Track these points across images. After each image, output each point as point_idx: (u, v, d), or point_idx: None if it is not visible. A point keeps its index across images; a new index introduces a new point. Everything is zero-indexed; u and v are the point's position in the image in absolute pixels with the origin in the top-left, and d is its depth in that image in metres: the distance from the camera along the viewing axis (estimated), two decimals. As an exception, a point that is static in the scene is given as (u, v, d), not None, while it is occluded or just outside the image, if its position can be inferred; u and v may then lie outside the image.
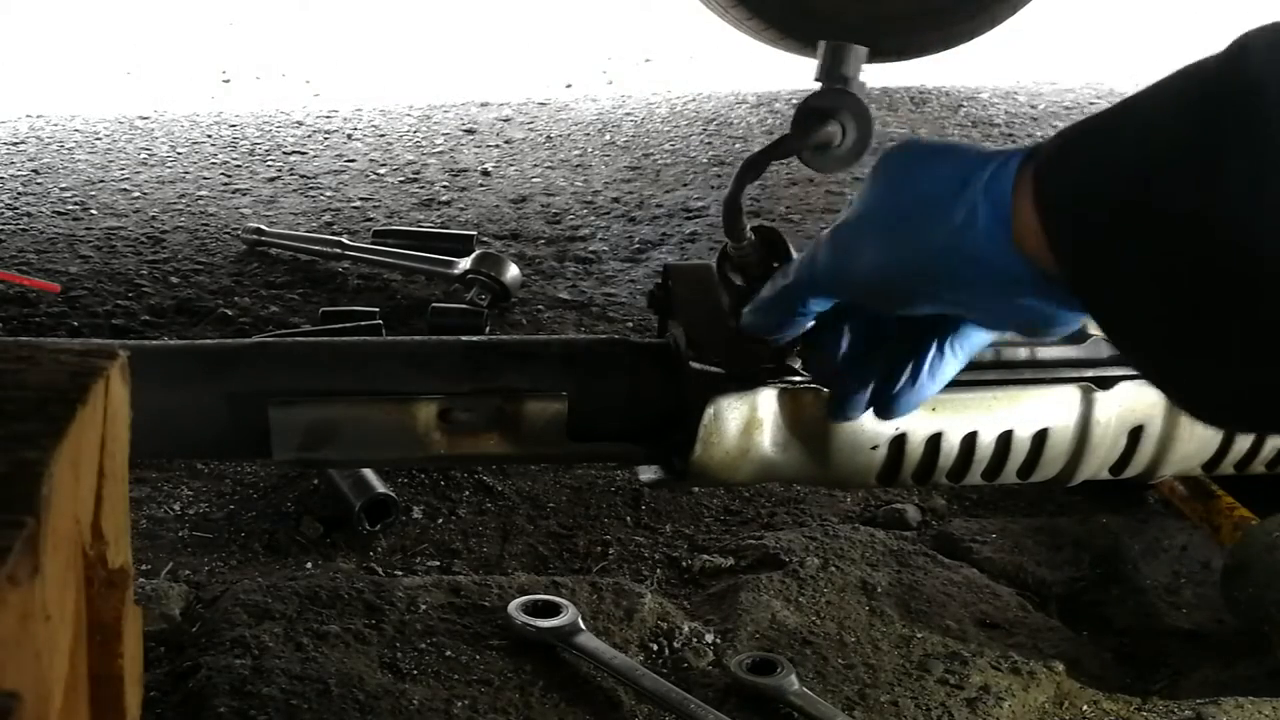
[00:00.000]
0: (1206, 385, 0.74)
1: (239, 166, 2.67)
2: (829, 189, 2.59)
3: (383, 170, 2.67)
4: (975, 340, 0.97)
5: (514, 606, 1.34)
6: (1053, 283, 0.78)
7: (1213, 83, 0.70)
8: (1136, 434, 1.23)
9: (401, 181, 2.61)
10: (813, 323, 1.01)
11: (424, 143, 2.84)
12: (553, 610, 1.33)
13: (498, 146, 2.82)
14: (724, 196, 1.15)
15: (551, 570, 1.48)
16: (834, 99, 1.16)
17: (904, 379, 0.98)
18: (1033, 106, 3.12)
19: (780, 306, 1.00)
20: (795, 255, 1.11)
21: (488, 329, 1.97)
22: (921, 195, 0.84)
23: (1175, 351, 0.74)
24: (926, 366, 0.97)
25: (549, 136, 2.89)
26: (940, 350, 0.97)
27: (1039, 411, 1.20)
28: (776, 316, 1.01)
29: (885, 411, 1.01)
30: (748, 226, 1.16)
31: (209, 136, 2.85)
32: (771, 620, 1.36)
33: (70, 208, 2.43)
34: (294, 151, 2.77)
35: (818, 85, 1.14)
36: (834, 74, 1.16)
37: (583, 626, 1.31)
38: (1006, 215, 0.79)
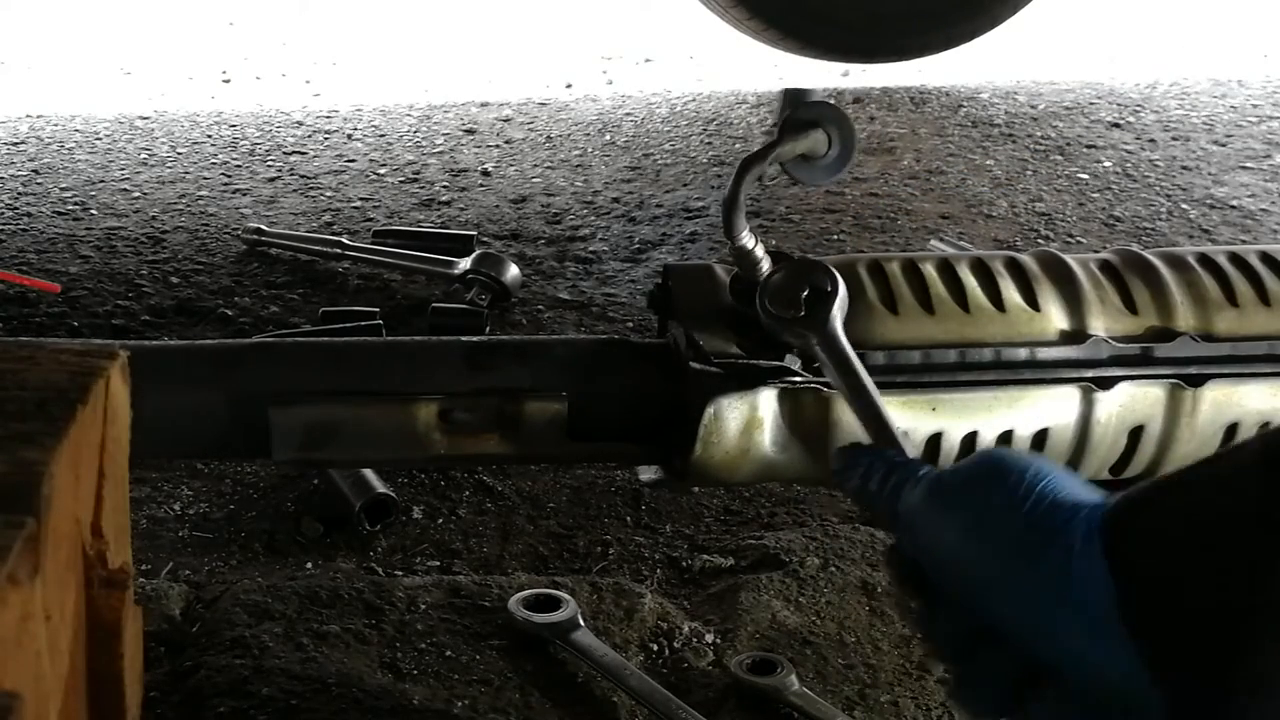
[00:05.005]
0: None
1: (239, 166, 2.67)
2: (829, 189, 2.59)
3: (383, 170, 2.67)
4: None
5: (514, 601, 1.34)
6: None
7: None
8: (1136, 434, 1.23)
9: (401, 181, 2.61)
10: None
11: (424, 143, 2.84)
12: (553, 604, 1.33)
13: (498, 146, 2.82)
14: (723, 197, 1.15)
15: (551, 570, 1.48)
16: (819, 111, 1.17)
17: None
18: (1033, 106, 3.12)
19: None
20: (841, 287, 1.11)
21: (488, 329, 1.97)
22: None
23: None
24: None
25: (549, 136, 2.89)
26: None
27: (1039, 411, 1.20)
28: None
29: None
30: (747, 227, 1.16)
31: (209, 136, 2.85)
32: (771, 620, 1.36)
33: (70, 208, 2.43)
34: (294, 151, 2.77)
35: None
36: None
37: (581, 623, 1.31)
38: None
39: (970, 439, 1.19)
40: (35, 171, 2.61)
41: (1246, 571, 0.70)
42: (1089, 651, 0.76)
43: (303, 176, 2.63)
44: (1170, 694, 0.73)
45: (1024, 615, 0.79)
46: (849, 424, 1.16)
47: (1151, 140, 2.91)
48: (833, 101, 1.18)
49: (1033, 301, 1.22)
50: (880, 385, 1.17)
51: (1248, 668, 0.70)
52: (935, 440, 1.18)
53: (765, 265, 1.17)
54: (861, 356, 1.18)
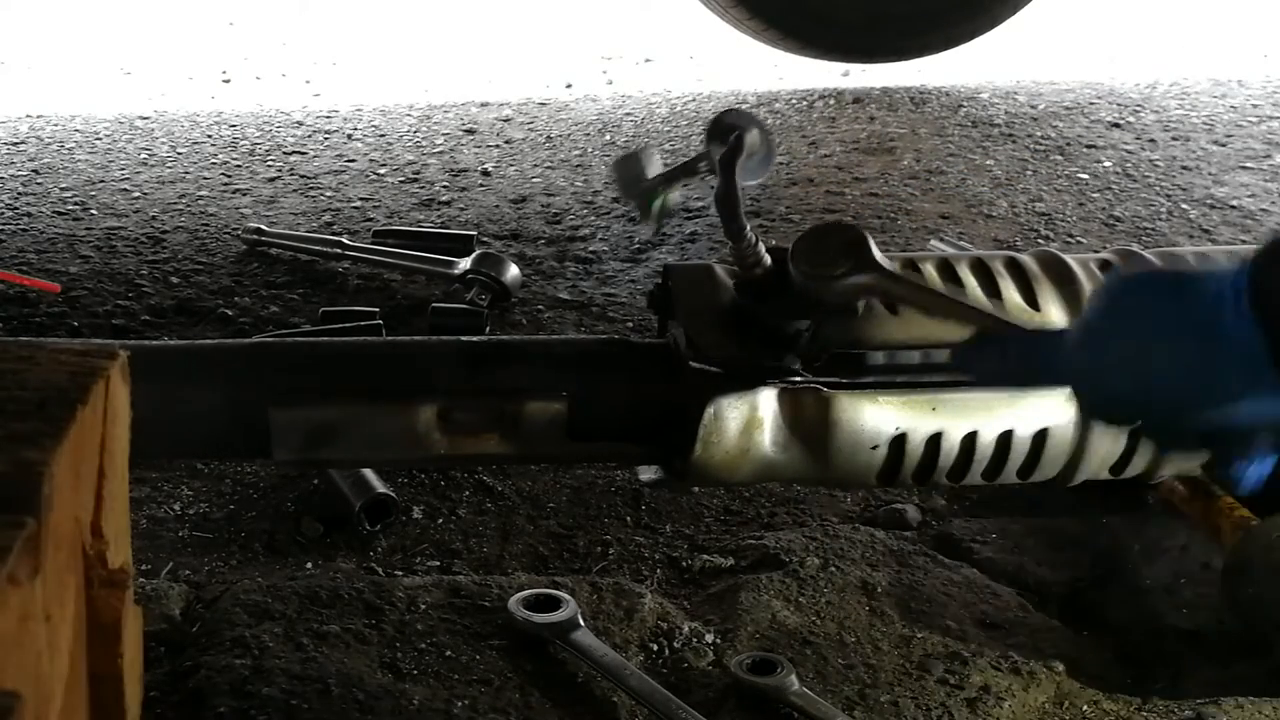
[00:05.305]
0: None
1: (239, 166, 2.67)
2: (829, 189, 2.59)
3: (383, 170, 2.67)
4: None
5: (514, 601, 1.34)
6: None
7: None
8: (1137, 434, 1.23)
9: (401, 181, 2.61)
10: None
11: (424, 143, 2.84)
12: (553, 604, 1.33)
13: (498, 146, 2.82)
14: (716, 195, 1.15)
15: (551, 570, 1.48)
16: (739, 117, 1.19)
17: None
18: (1033, 106, 3.12)
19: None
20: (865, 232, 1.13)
21: (488, 329, 1.97)
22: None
23: None
24: None
25: (549, 136, 2.89)
26: None
27: (1039, 411, 1.20)
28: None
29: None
30: (749, 226, 1.16)
31: (209, 136, 2.84)
32: (771, 620, 1.36)
33: (70, 208, 2.43)
34: (294, 151, 2.77)
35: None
36: (639, 180, 1.20)
37: (581, 623, 1.31)
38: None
39: (970, 438, 1.20)
40: (35, 171, 2.61)
41: None
42: (1257, 401, 0.85)
43: (303, 176, 2.63)
44: None
45: (1212, 387, 0.87)
46: (849, 424, 1.16)
47: (1151, 140, 2.91)
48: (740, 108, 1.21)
49: (1033, 301, 1.22)
50: (880, 385, 1.17)
51: None
52: (935, 440, 1.19)
53: (767, 262, 1.17)
54: (862, 356, 1.18)
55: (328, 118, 2.99)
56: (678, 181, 1.22)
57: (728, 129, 1.18)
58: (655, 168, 1.24)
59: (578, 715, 1.24)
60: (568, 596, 1.34)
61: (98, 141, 2.79)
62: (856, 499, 1.62)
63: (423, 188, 2.58)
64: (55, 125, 2.88)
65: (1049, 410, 1.20)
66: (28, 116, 2.93)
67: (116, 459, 0.79)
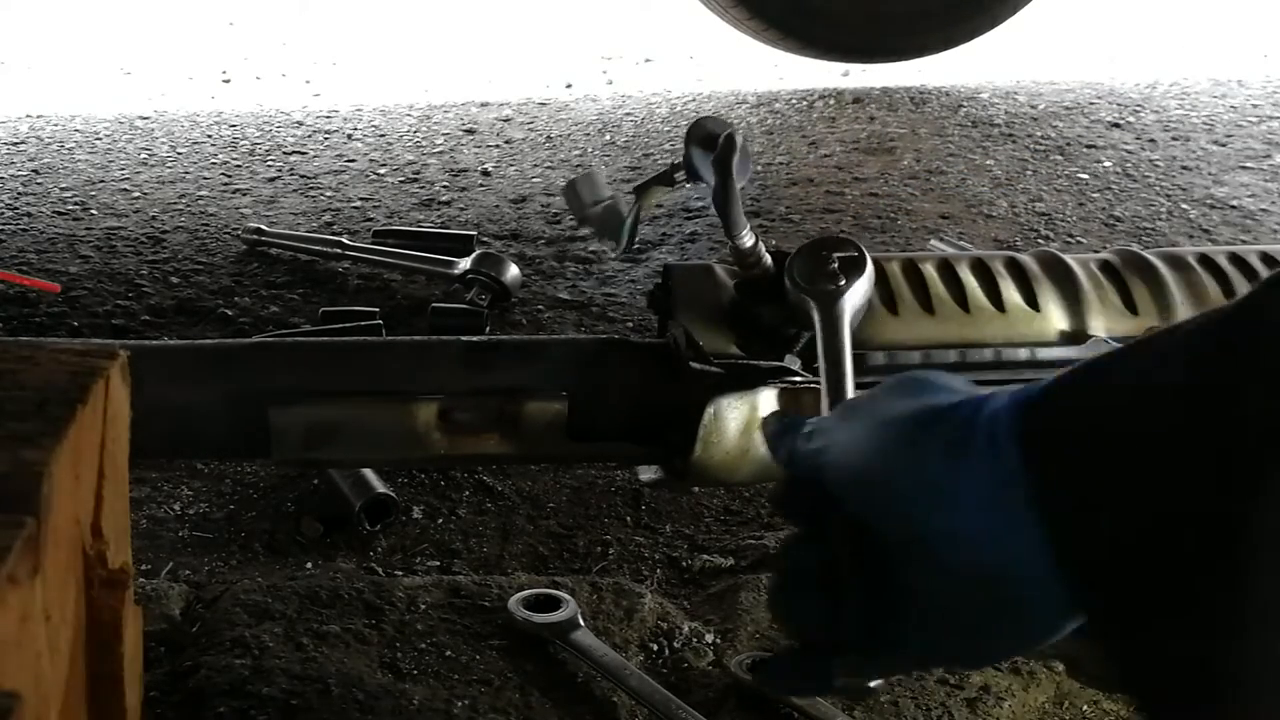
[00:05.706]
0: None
1: (239, 166, 2.67)
2: (829, 189, 2.59)
3: (383, 170, 2.67)
4: None
5: (514, 601, 1.34)
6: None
7: (1227, 326, 0.65)
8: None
9: (401, 181, 2.61)
10: None
11: (424, 143, 2.83)
12: (553, 604, 1.33)
13: (498, 146, 2.82)
14: (714, 194, 1.15)
15: (551, 570, 1.48)
16: (717, 125, 1.19)
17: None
18: (1033, 106, 3.12)
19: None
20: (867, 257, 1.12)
21: (488, 329, 1.97)
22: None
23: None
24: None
25: (549, 136, 2.89)
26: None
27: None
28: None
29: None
30: (748, 226, 1.16)
31: (209, 136, 2.84)
32: (771, 620, 1.36)
33: (70, 208, 2.43)
34: (294, 151, 2.77)
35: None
36: (598, 200, 1.22)
37: (581, 623, 1.31)
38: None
39: (970, 439, 1.19)
40: (35, 171, 2.61)
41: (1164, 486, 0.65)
42: (989, 523, 0.70)
43: (303, 176, 2.63)
44: (1081, 592, 0.69)
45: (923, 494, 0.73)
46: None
47: (1151, 140, 2.91)
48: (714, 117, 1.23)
49: (1033, 302, 1.22)
50: (880, 385, 1.17)
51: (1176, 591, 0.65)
52: (935, 440, 1.18)
53: (767, 262, 1.17)
54: (861, 357, 1.18)
55: (328, 118, 2.99)
56: (653, 192, 1.22)
57: (710, 134, 1.18)
58: (606, 188, 1.25)
59: (578, 715, 1.24)
60: (568, 596, 1.34)
61: (98, 141, 2.79)
62: (856, 499, 1.61)
63: (423, 188, 2.58)
64: (55, 125, 2.87)
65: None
66: (28, 116, 2.93)
67: (116, 459, 0.79)
